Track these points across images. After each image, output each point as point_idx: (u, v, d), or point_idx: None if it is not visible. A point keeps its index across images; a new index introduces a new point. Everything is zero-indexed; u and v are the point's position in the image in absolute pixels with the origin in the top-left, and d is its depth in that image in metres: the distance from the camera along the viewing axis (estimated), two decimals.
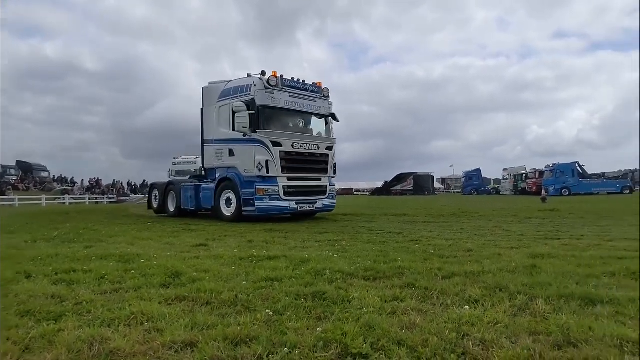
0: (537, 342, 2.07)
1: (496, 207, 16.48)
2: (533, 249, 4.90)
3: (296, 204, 10.29)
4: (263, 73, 10.02)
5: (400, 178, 55.70)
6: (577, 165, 37.10)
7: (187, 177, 13.82)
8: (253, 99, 9.98)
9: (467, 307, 2.62)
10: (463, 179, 56.58)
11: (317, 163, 10.84)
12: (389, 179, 56.59)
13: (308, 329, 2.30)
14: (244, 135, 9.94)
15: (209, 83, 11.70)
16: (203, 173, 12.06)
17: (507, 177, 49.03)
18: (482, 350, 2.00)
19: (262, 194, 9.87)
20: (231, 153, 10.62)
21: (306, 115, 11.00)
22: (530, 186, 40.29)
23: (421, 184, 54.77)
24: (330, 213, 11.89)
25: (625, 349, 1.94)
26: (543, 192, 25.21)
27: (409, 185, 54.79)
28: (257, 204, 9.82)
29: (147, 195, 17.01)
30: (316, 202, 10.75)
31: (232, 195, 10.45)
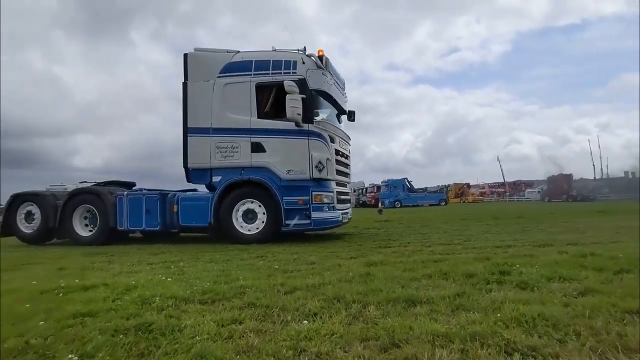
0: (367, 347, 2.22)
1: None
2: (369, 257, 5.44)
3: (342, 214, 8.77)
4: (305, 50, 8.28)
5: None
6: (406, 180, 44.24)
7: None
8: (304, 79, 8.04)
9: (305, 321, 2.66)
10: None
11: (348, 167, 9.48)
12: None
13: None
14: (297, 125, 7.90)
15: (196, 49, 8.91)
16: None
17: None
18: None
19: (319, 201, 8.01)
20: (257, 148, 8.21)
21: (339, 108, 9.47)
22: (370, 199, 45.91)
23: None
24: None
25: (436, 342, 2.24)
26: (380, 204, 29.01)
27: None
28: (315, 214, 7.92)
29: None
30: (347, 213, 9.44)
31: (256, 206, 8.18)
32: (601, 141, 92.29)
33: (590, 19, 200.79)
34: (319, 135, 8.16)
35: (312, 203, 7.92)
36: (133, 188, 10.08)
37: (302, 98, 7.80)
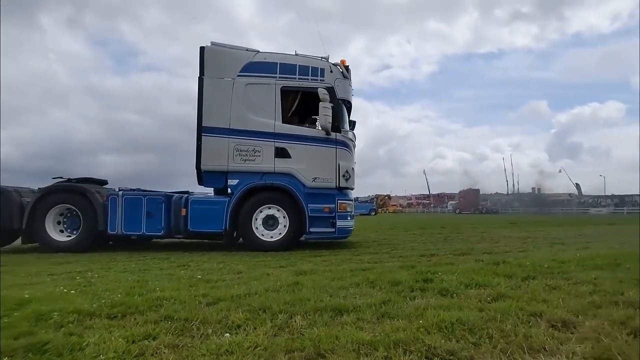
0: (292, 359, 2.17)
1: None
2: (298, 266, 5.41)
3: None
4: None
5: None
6: None
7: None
8: (332, 87, 8.01)
9: (227, 334, 2.54)
10: None
11: None
12: None
13: None
14: (326, 133, 7.92)
15: (213, 43, 8.21)
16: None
17: None
18: None
19: (343, 210, 8.06)
20: (282, 153, 8.00)
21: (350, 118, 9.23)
22: None
23: None
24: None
25: (361, 351, 2.26)
26: None
27: None
28: (339, 223, 7.94)
29: None
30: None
31: (277, 212, 7.95)
32: (513, 159, 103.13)
33: (506, 50, 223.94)
34: (346, 145, 8.33)
35: (337, 211, 8.00)
36: (104, 186, 8.98)
37: (331, 107, 7.88)
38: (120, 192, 8.16)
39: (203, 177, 8.16)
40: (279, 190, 8.00)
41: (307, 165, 8.08)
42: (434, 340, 2.38)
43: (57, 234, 7.95)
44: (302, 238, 8.40)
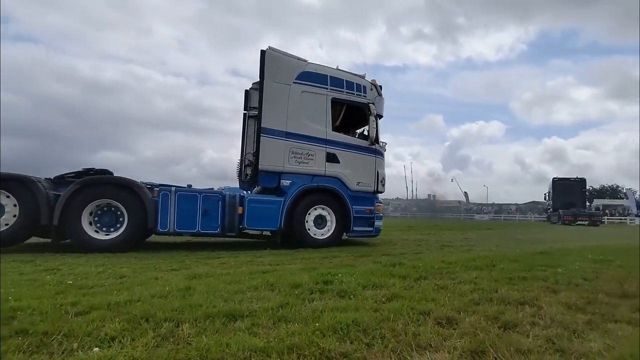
0: None
1: None
2: (193, 269, 5.10)
3: None
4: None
5: None
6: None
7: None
8: (372, 104, 9.35)
9: (96, 348, 2.24)
10: None
11: None
12: None
13: None
14: (370, 144, 9.36)
15: (270, 48, 8.68)
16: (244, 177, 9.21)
17: None
18: None
19: (379, 211, 9.56)
20: (332, 158, 8.98)
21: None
22: None
23: None
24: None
25: (253, 358, 2.17)
26: None
27: None
28: (377, 223, 9.42)
29: None
30: None
31: (325, 213, 8.88)
32: (413, 168, 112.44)
33: (410, 65, 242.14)
34: (382, 155, 9.72)
35: (376, 213, 9.35)
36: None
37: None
38: (173, 189, 7.87)
39: (259, 176, 8.61)
40: (328, 192, 8.94)
41: (352, 171, 9.20)
42: (329, 343, 2.39)
43: (92, 232, 7.24)
44: (345, 236, 9.39)
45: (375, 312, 3.10)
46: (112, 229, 7.35)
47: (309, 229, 8.65)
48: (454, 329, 2.79)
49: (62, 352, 2.21)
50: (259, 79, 8.67)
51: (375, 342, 2.48)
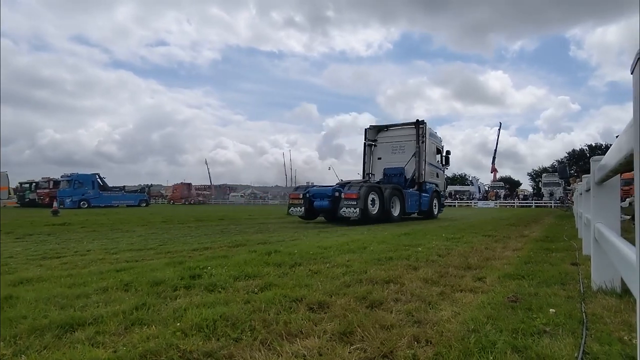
0: None
1: None
2: (19, 273, 4.32)
3: None
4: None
5: None
6: (97, 176, 39.71)
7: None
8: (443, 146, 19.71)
9: None
10: None
11: None
12: None
13: None
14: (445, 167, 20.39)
15: (423, 121, 17.52)
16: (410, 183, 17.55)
17: None
18: None
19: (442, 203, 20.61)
20: (437, 176, 19.00)
21: None
22: (42, 197, 38.76)
23: None
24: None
25: None
26: (55, 204, 24.55)
27: None
28: (442, 209, 20.41)
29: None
30: None
31: (436, 201, 18.73)
32: (292, 155, 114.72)
33: (285, 52, 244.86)
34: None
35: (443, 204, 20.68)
36: None
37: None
38: (402, 190, 16.13)
39: (422, 185, 17.27)
40: (437, 192, 18.73)
41: (440, 183, 19.30)
42: (191, 344, 2.23)
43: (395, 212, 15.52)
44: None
45: (246, 304, 3.03)
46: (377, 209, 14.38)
47: (434, 208, 18.29)
48: (325, 313, 2.88)
49: None
50: (415, 137, 17.36)
51: (244, 336, 2.41)
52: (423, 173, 17.06)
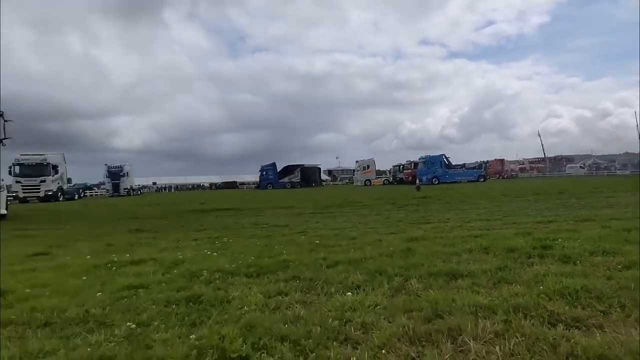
0: (411, 318, 2.32)
1: (379, 196, 18.10)
2: (409, 233, 5.52)
3: None
4: None
5: (287, 170, 56.91)
6: (444, 157, 43.11)
7: None
8: None
9: (349, 293, 2.80)
10: (260, 174, 56.75)
11: None
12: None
13: (180, 338, 2.15)
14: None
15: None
16: None
17: (359, 168, 54.35)
18: (363, 333, 2.16)
19: None
20: None
21: None
22: (407, 176, 45.44)
23: (308, 175, 56.79)
24: (212, 208, 11.54)
25: (479, 314, 2.32)
26: (417, 181, 28.69)
27: (296, 177, 56.33)
28: None
29: None
30: None
31: None
32: None
33: None
34: None
35: None
36: None
37: None
38: None
39: None
40: None
41: None
42: (557, 307, 2.33)
43: None
44: None
45: (609, 280, 2.79)
46: None
47: None
48: None
49: (325, 294, 2.86)
50: None
51: (613, 311, 2.27)
52: None
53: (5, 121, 10.78)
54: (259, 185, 55.43)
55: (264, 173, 55.68)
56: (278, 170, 56.56)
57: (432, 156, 42.57)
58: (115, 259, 4.33)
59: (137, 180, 50.98)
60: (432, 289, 2.80)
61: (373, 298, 2.67)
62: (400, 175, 48.01)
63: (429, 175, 39.85)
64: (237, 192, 39.88)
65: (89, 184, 51.22)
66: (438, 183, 38.46)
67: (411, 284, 2.95)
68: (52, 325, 2.41)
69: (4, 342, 2.17)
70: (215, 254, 4.48)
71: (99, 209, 16.98)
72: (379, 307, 2.52)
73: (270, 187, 51.90)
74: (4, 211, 10.96)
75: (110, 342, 2.12)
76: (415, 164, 45.26)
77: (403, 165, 49.58)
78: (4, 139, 10.92)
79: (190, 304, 2.74)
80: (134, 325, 2.34)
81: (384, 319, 2.34)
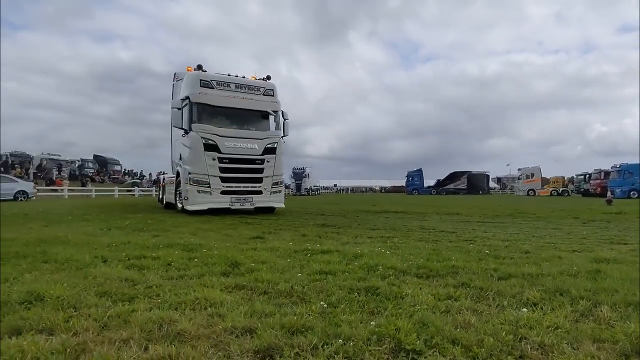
0: (602, 349, 1.99)
1: (554, 208, 15.43)
2: (597, 253, 4.59)
3: None
4: None
5: (453, 177, 54.09)
6: None
7: None
8: None
9: (524, 309, 2.55)
10: (406, 179, 55.69)
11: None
12: (442, 177, 55.45)
13: (361, 322, 2.34)
14: None
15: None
16: None
17: (522, 176, 46.91)
18: (541, 354, 1.96)
19: None
20: None
21: None
22: (594, 187, 37.26)
23: (475, 182, 52.70)
24: (381, 210, 11.81)
25: None
26: (609, 194, 22.95)
27: (462, 184, 52.97)
28: None
29: None
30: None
31: None
32: None
33: None
34: None
35: None
36: None
37: None
38: None
39: None
40: None
41: None
42: None
43: None
44: None
45: None
46: None
47: None
48: None
49: (496, 306, 2.67)
50: None
51: None
52: None
53: (284, 120, 11.93)
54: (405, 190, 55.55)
55: (410, 179, 55.07)
56: (444, 177, 54.76)
57: (631, 164, 33.47)
58: (309, 247, 4.95)
59: (322, 182, 58.07)
60: (630, 321, 2.31)
61: (553, 319, 2.37)
62: (585, 186, 39.80)
63: (625, 187, 31.69)
64: (402, 196, 39.82)
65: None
66: (638, 197, 30.14)
67: (601, 310, 2.49)
68: (269, 294, 2.96)
69: (239, 300, 2.79)
70: (387, 252, 4.65)
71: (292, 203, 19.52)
72: (559, 329, 2.23)
73: (415, 192, 51.25)
74: (282, 205, 12.24)
75: (309, 315, 2.48)
76: (607, 173, 36.62)
77: (589, 174, 40.81)
78: (283, 136, 12.01)
79: (369, 294, 2.92)
80: (325, 305, 2.65)
81: (567, 343, 2.06)
